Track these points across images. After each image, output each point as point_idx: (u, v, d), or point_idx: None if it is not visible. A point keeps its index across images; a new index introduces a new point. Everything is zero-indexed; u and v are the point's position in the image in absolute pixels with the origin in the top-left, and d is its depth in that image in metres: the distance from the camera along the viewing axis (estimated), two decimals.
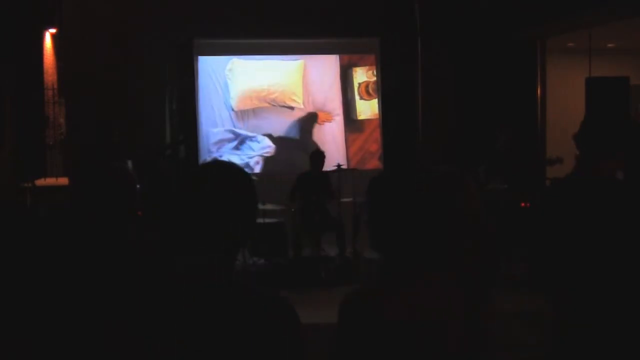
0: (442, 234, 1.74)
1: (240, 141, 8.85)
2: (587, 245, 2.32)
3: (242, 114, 8.88)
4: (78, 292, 2.21)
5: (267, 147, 8.88)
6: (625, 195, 2.35)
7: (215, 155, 8.77)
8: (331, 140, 9.08)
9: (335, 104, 9.14)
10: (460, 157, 7.67)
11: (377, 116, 9.19)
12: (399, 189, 1.72)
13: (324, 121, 9.08)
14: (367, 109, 9.23)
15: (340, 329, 1.57)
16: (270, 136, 8.95)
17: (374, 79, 9.19)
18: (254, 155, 8.88)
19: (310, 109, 9.07)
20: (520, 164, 6.70)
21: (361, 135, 9.21)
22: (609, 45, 8.76)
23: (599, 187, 2.36)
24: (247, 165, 8.76)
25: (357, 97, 9.20)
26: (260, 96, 8.92)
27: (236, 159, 8.68)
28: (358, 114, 9.21)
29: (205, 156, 8.78)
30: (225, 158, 8.65)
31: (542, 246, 2.47)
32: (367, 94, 9.21)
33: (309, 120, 9.07)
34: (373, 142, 9.21)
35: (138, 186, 2.52)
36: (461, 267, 1.89)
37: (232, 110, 8.85)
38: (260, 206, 7.09)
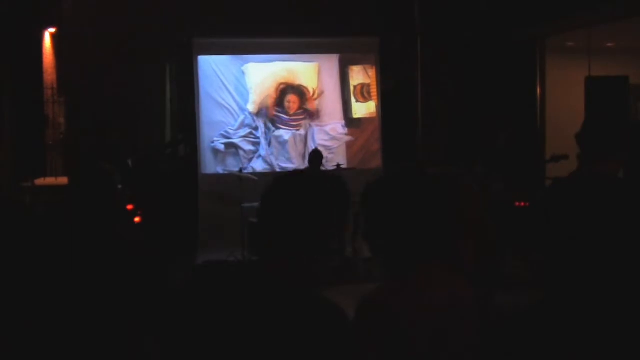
0: (444, 235, 1.74)
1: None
2: (587, 245, 2.32)
3: (256, 113, 8.91)
4: (64, 292, 2.21)
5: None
6: (625, 195, 2.35)
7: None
8: (332, 140, 9.10)
9: (336, 105, 9.14)
10: (460, 157, 7.67)
11: (373, 115, 9.19)
12: (396, 192, 1.72)
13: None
14: (364, 110, 9.23)
15: (352, 332, 1.57)
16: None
17: (369, 81, 9.19)
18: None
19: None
20: (520, 163, 6.71)
21: (360, 136, 9.21)
22: (609, 45, 8.76)
23: (598, 186, 2.36)
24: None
25: (353, 99, 9.20)
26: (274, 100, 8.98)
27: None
28: (354, 113, 9.21)
29: (207, 155, 8.78)
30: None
31: (542, 245, 2.47)
32: (362, 96, 9.21)
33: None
34: (373, 144, 9.21)
35: (120, 186, 2.54)
36: (463, 267, 1.89)
37: (248, 111, 8.87)
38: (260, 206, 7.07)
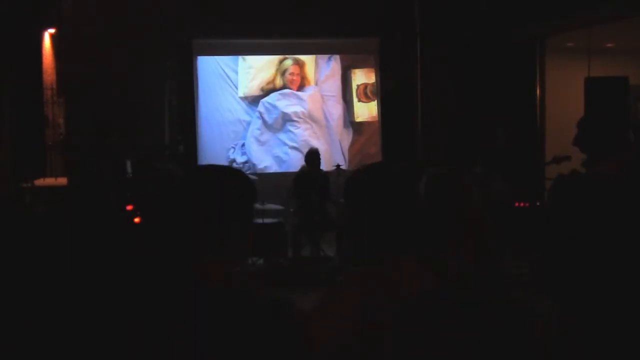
0: (417, 228, 1.75)
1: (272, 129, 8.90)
2: (586, 246, 2.31)
3: (252, 103, 8.90)
4: (64, 291, 2.21)
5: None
6: (625, 195, 2.34)
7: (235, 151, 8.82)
8: (331, 141, 9.09)
9: (336, 105, 9.14)
10: (460, 158, 7.67)
11: (376, 119, 9.19)
12: (368, 184, 1.73)
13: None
14: (365, 111, 9.22)
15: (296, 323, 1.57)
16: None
17: (373, 81, 9.18)
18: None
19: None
20: (520, 163, 6.71)
21: (360, 137, 9.21)
22: (609, 45, 8.76)
23: (598, 187, 2.35)
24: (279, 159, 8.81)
25: (355, 99, 9.19)
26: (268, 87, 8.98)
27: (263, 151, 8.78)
28: (356, 116, 9.21)
29: (207, 155, 8.78)
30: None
31: (548, 247, 2.47)
32: (365, 96, 9.20)
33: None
34: (372, 145, 9.20)
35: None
36: (441, 261, 1.89)
37: (243, 99, 8.86)
38: (260, 206, 7.09)
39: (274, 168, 8.88)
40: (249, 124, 8.89)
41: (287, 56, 8.98)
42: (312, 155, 7.46)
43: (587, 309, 2.30)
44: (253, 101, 8.90)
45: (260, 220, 7.14)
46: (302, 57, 9.04)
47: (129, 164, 7.42)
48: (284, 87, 8.95)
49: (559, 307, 2.41)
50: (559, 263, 2.41)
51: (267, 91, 8.92)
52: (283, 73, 8.96)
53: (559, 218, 2.39)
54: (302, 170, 7.62)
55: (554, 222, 2.41)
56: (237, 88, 8.87)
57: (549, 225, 2.44)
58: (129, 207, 6.32)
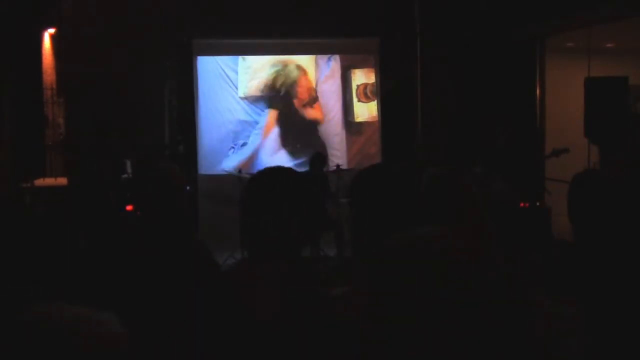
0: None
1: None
2: (600, 243, 2.31)
3: (252, 103, 8.91)
4: (64, 292, 2.21)
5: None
6: (629, 192, 2.34)
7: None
8: (330, 141, 9.10)
9: (336, 106, 9.14)
10: (460, 158, 7.67)
11: (376, 119, 9.19)
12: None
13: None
14: (365, 111, 9.22)
15: None
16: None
17: (373, 81, 9.18)
18: None
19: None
20: (520, 163, 6.70)
21: (360, 137, 9.21)
22: (609, 45, 8.76)
23: (616, 186, 2.35)
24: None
25: (355, 99, 9.19)
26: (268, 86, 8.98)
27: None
28: (356, 116, 9.21)
29: (206, 156, 8.78)
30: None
31: (572, 247, 2.47)
32: (365, 96, 9.19)
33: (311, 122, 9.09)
34: (372, 145, 9.20)
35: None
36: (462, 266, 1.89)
37: (243, 99, 8.87)
38: None
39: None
40: (249, 124, 8.89)
41: (288, 61, 8.96)
42: (317, 157, 7.54)
43: (613, 310, 2.29)
44: (253, 101, 8.89)
45: None
46: (302, 61, 9.02)
47: (129, 164, 7.42)
48: (283, 87, 8.94)
49: (583, 309, 2.39)
50: (584, 263, 2.40)
51: (267, 91, 8.92)
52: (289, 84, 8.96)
53: (581, 219, 2.38)
54: (305, 171, 7.68)
55: (576, 224, 2.39)
56: (237, 88, 8.87)
57: (572, 227, 2.43)
58: (129, 207, 6.32)
